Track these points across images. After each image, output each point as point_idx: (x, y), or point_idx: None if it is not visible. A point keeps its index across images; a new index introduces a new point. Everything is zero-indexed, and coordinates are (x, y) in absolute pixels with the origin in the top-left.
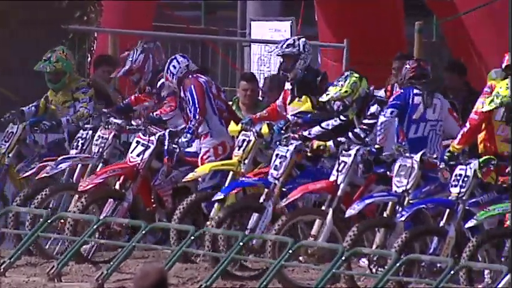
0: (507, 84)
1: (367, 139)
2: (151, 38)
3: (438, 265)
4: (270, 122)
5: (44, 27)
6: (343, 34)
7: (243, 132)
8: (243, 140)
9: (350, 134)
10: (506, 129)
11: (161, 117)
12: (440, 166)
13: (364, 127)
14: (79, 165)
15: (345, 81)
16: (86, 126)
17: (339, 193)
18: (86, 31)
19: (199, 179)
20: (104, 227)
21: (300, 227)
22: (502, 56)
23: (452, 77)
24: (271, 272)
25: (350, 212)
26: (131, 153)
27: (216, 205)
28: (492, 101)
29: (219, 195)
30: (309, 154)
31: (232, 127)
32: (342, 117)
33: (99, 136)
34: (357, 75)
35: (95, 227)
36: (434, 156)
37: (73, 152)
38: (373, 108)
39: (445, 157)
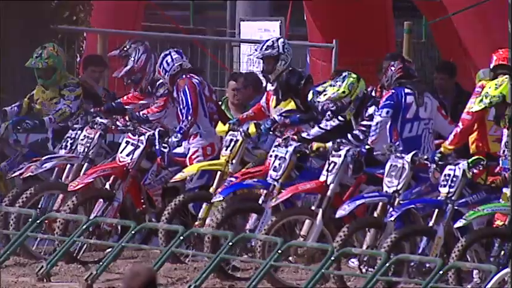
0: (496, 84)
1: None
2: (140, 38)
3: (427, 265)
4: (257, 122)
5: (33, 27)
6: (332, 34)
7: (231, 132)
8: (231, 140)
9: (350, 136)
10: (499, 129)
11: (148, 116)
12: (431, 167)
13: (363, 128)
14: (68, 165)
15: (342, 82)
16: (74, 126)
17: (328, 193)
18: (75, 31)
19: (187, 179)
20: (93, 227)
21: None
22: (490, 56)
23: (443, 77)
24: (261, 272)
25: (341, 212)
26: (121, 153)
27: (204, 206)
28: (481, 100)
29: (219, 197)
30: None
31: (220, 127)
32: (340, 118)
33: (84, 136)
34: (354, 75)
35: (84, 227)
36: (425, 156)
37: (62, 152)
38: (371, 110)
39: (436, 158)
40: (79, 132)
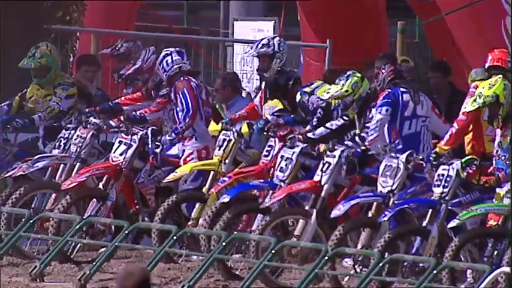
0: (489, 84)
1: None
2: (133, 38)
3: (421, 265)
4: (250, 122)
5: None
6: (325, 34)
7: (223, 131)
8: (224, 140)
9: (357, 139)
10: (495, 129)
11: (145, 116)
12: (427, 167)
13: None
14: (62, 165)
15: (346, 81)
16: (68, 126)
17: (322, 193)
18: (68, 31)
19: (181, 180)
20: (87, 227)
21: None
22: (484, 56)
23: (437, 76)
24: (254, 272)
25: (335, 212)
26: (114, 152)
27: (197, 205)
28: (475, 100)
29: (225, 198)
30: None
31: (213, 126)
32: (344, 117)
33: (77, 135)
34: (359, 75)
35: (77, 226)
36: (420, 157)
37: (56, 152)
38: (375, 110)
39: (431, 158)
40: (72, 132)
